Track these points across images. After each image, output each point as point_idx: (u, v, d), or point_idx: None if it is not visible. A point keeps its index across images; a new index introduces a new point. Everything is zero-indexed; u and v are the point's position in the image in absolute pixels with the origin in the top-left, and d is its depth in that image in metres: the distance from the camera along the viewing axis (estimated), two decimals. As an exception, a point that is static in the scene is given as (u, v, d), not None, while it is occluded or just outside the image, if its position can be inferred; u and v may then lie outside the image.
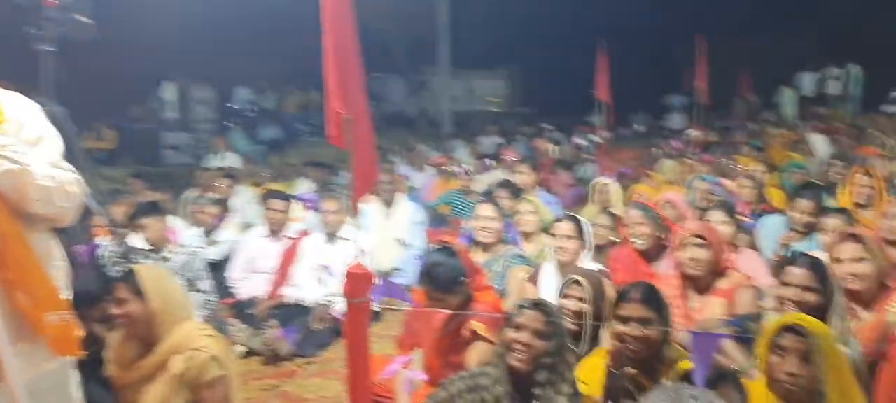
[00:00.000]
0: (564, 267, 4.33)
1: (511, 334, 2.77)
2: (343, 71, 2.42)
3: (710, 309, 3.79)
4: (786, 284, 3.19)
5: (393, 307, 5.18)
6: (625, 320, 2.93)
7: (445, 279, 3.62)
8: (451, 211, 7.87)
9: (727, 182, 6.28)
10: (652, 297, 2.94)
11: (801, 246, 4.98)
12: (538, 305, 2.81)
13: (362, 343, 2.63)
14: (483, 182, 9.14)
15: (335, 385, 4.42)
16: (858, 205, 5.43)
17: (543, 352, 2.71)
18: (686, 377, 2.80)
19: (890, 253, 4.55)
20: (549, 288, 4.34)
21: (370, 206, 6.65)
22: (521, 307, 2.82)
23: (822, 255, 4.28)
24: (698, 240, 3.83)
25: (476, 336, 3.62)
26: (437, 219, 7.46)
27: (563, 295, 3.53)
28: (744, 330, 3.28)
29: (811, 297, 3.12)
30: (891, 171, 6.84)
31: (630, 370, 2.88)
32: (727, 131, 13.19)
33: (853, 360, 2.85)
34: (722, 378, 2.62)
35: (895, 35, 15.81)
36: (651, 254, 4.66)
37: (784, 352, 2.46)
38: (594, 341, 3.40)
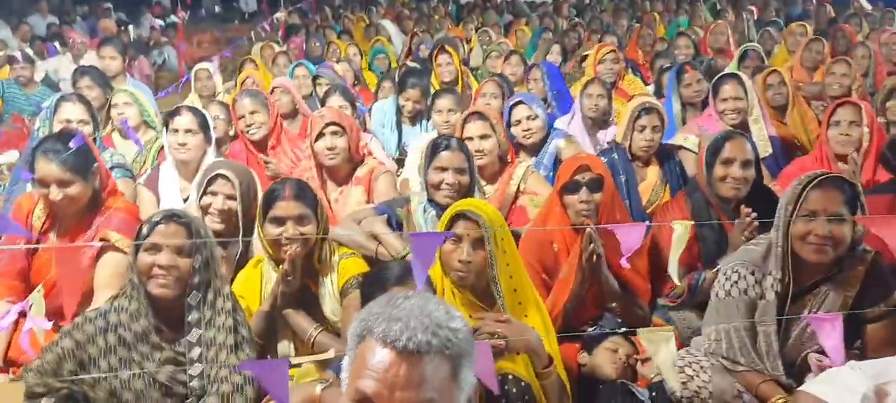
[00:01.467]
0: (186, 167, 3.82)
1: (147, 258, 2.28)
2: None
3: (351, 199, 3.69)
4: (441, 169, 3.17)
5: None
6: (279, 221, 2.64)
7: (73, 159, 2.91)
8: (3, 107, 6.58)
9: (335, 65, 6.19)
10: (305, 193, 2.69)
11: (414, 130, 5.16)
12: (174, 217, 2.34)
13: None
14: (44, 69, 7.80)
15: None
16: (444, 83, 5.78)
17: (190, 271, 2.29)
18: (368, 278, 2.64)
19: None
20: (171, 192, 3.82)
21: None
22: (155, 223, 2.32)
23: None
24: (335, 128, 3.66)
25: (108, 246, 2.99)
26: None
27: (206, 193, 3.07)
28: (393, 216, 3.23)
29: (465, 178, 3.17)
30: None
31: (289, 275, 2.61)
32: (304, 14, 13.17)
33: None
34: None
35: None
36: (265, 144, 4.38)
37: (458, 240, 2.45)
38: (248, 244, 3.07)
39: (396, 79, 5.28)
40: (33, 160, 2.98)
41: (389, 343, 1.22)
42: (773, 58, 7.17)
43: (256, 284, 2.74)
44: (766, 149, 4.22)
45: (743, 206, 2.92)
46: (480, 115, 3.77)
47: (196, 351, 2.25)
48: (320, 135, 3.66)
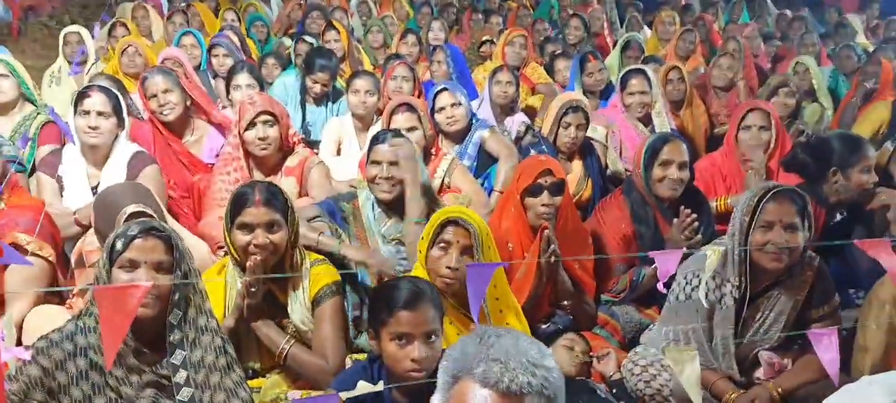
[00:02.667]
0: (95, 152, 3.50)
1: (124, 276, 2.09)
2: None
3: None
4: (375, 163, 3.12)
5: None
6: (249, 228, 2.50)
7: None
8: None
9: (232, 36, 5.82)
10: (276, 197, 2.56)
11: (319, 112, 5.02)
12: (152, 230, 2.15)
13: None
14: None
15: None
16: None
17: (169, 290, 2.14)
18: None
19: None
20: (77, 179, 3.49)
21: None
22: (131, 236, 2.12)
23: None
24: (267, 117, 3.49)
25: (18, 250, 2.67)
26: None
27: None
28: (339, 212, 3.15)
29: (397, 171, 3.14)
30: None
31: (253, 286, 2.48)
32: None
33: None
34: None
35: None
36: (176, 127, 4.10)
37: (447, 246, 2.44)
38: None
39: (304, 60, 5.07)
40: None
41: (491, 385, 1.22)
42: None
43: (220, 293, 2.58)
44: (668, 143, 4.50)
45: (682, 207, 3.11)
46: (409, 107, 3.77)
47: (182, 374, 2.10)
48: (251, 123, 3.49)
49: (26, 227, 2.78)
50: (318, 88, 4.95)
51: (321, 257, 2.75)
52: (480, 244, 2.44)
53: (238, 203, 2.52)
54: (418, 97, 5.04)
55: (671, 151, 3.24)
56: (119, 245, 2.11)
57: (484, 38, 6.49)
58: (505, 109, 4.93)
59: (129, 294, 1.68)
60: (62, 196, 3.47)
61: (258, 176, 3.59)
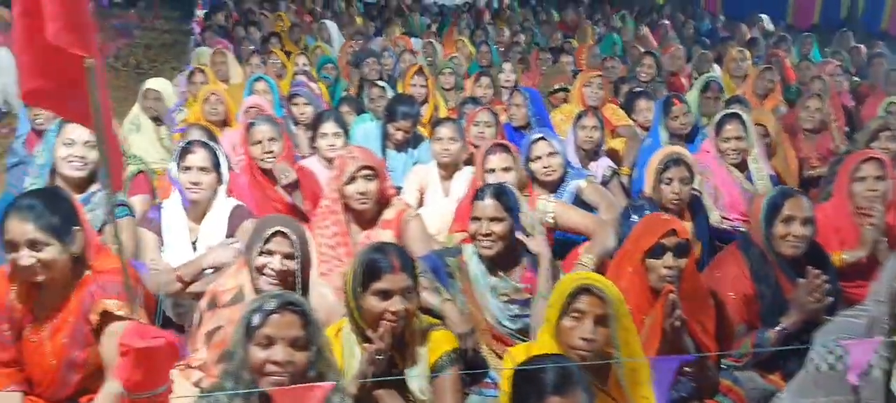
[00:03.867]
0: (195, 207, 3.48)
1: (260, 354, 2.03)
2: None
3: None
4: (476, 219, 3.04)
5: None
6: (385, 294, 2.42)
7: (50, 219, 2.47)
8: None
9: (312, 84, 5.84)
10: (409, 263, 2.49)
11: (400, 158, 4.96)
12: (288, 305, 2.09)
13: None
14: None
15: None
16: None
17: (306, 366, 2.06)
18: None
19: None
20: (178, 235, 3.47)
21: None
22: (268, 311, 2.07)
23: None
24: (367, 172, 3.44)
25: (109, 318, 2.60)
26: None
27: (263, 252, 2.76)
28: (444, 267, 3.07)
29: (498, 227, 3.05)
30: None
31: (381, 353, 2.40)
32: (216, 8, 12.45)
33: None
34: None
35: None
36: (269, 175, 4.07)
37: (581, 315, 2.33)
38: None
39: (387, 107, 5.05)
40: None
41: None
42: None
43: (337, 358, 2.50)
44: (768, 190, 4.33)
45: (809, 268, 2.95)
46: (504, 147, 3.72)
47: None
48: (352, 178, 3.43)
49: (115, 293, 2.69)
50: (399, 135, 4.90)
51: (437, 321, 2.66)
52: (616, 313, 2.32)
53: (373, 268, 2.43)
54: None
55: (794, 207, 3.08)
56: (256, 320, 2.05)
57: (556, 86, 6.37)
58: (589, 154, 4.83)
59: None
60: (162, 249, 3.46)
61: (355, 229, 3.54)
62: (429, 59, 8.07)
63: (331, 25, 9.84)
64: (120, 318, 2.59)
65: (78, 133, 3.38)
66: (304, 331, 2.07)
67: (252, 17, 10.93)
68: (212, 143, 3.52)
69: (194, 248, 3.46)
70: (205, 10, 10.74)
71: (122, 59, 11.36)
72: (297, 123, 5.41)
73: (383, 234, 3.50)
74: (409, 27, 11.75)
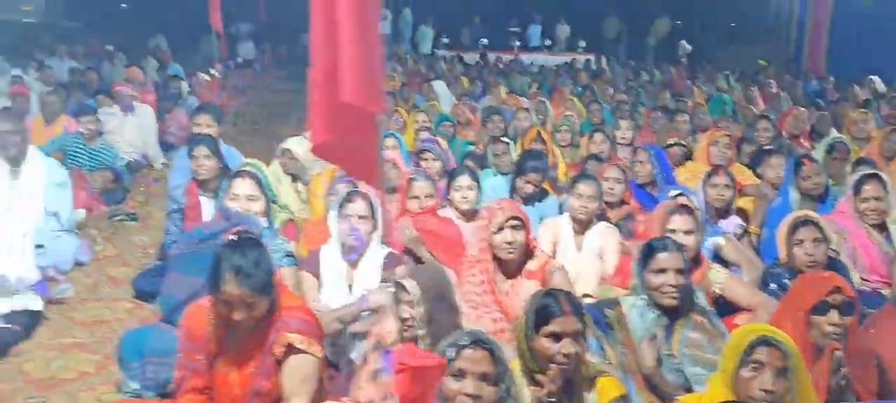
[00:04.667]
0: (351, 252, 3.69)
1: (454, 385, 2.17)
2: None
3: (523, 293, 3.59)
4: (661, 271, 3.11)
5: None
6: (557, 337, 2.53)
7: (261, 278, 2.72)
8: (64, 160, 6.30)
9: (441, 140, 6.09)
10: (579, 307, 2.60)
11: (529, 211, 5.08)
12: (479, 341, 2.24)
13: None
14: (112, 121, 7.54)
15: None
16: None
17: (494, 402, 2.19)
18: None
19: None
20: (334, 278, 3.68)
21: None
22: (461, 346, 2.22)
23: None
24: (515, 222, 3.58)
25: (292, 350, 2.83)
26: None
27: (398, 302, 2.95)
28: (603, 318, 3.14)
29: (682, 279, 3.11)
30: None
31: (552, 396, 2.49)
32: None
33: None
34: None
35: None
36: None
37: (760, 367, 2.37)
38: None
39: (517, 162, 5.22)
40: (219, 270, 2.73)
41: None
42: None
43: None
44: (908, 251, 4.25)
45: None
46: (688, 210, 3.76)
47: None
48: (500, 228, 3.58)
49: (298, 328, 2.89)
50: (529, 188, 5.04)
51: (602, 368, 2.74)
52: (794, 366, 2.35)
53: (545, 312, 2.55)
54: (630, 198, 5.05)
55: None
56: (450, 353, 2.19)
57: (671, 141, 6.42)
58: (720, 212, 4.83)
59: None
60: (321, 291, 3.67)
61: (500, 278, 3.67)
62: (540, 117, 8.24)
63: (439, 85, 10.19)
64: (301, 352, 2.81)
65: (242, 188, 3.71)
66: (493, 368, 2.20)
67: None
68: (370, 194, 3.74)
69: (350, 291, 3.65)
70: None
71: (241, 116, 12.01)
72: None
73: (528, 284, 3.62)
74: (511, 87, 12.01)
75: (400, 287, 2.97)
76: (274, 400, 2.87)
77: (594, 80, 13.48)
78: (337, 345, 3.55)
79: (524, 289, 3.63)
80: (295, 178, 5.76)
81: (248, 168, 4.26)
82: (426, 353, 2.16)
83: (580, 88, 11.00)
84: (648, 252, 3.14)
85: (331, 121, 2.19)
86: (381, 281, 3.63)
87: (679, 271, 3.04)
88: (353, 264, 3.69)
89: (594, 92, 10.56)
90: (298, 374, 2.85)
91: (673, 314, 3.06)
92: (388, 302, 3.38)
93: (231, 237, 2.82)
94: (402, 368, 1.79)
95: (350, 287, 3.67)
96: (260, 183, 3.99)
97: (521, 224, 3.60)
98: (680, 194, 4.09)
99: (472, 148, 6.76)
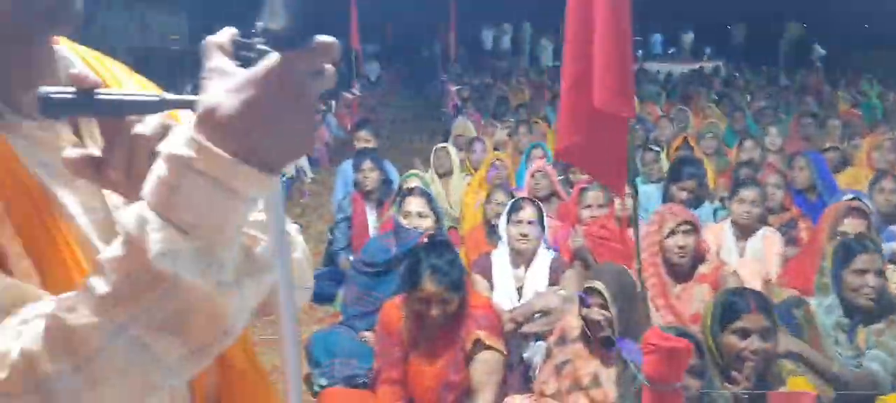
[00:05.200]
0: (520, 256, 3.83)
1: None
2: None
3: (696, 297, 3.61)
4: (863, 271, 3.06)
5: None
6: (744, 333, 2.56)
7: (456, 276, 2.97)
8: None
9: None
10: (767, 305, 2.63)
11: (703, 212, 5.06)
12: (684, 335, 2.31)
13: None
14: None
15: None
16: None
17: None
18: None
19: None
20: (505, 281, 3.83)
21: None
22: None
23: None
24: (687, 226, 3.61)
25: (480, 345, 3.05)
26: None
27: (585, 305, 3.03)
28: (791, 319, 3.13)
29: (880, 280, 3.06)
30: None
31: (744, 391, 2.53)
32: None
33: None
34: None
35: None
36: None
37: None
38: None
39: (671, 168, 5.22)
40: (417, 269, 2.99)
41: None
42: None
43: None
44: None
45: None
46: (861, 212, 3.72)
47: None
48: (672, 232, 3.62)
49: (485, 325, 3.09)
50: (684, 195, 5.01)
51: (793, 367, 2.74)
52: None
53: (733, 310, 2.60)
54: (791, 203, 4.96)
55: None
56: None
57: (827, 146, 6.22)
58: (887, 218, 4.66)
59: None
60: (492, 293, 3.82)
61: (669, 282, 3.69)
62: (680, 125, 8.14)
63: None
64: (488, 348, 2.99)
65: (414, 205, 3.99)
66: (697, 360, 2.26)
67: (499, 91, 11.62)
68: (537, 201, 3.87)
69: (518, 294, 3.79)
70: (457, 87, 11.59)
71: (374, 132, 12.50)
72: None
73: (700, 288, 3.63)
74: (640, 96, 11.88)
75: (591, 290, 3.05)
76: (461, 393, 3.05)
77: (726, 87, 13.15)
78: (509, 345, 3.69)
79: (696, 294, 3.65)
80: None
81: (417, 185, 4.49)
82: (671, 336, 2.25)
83: (715, 96, 10.75)
84: (847, 252, 3.10)
85: (581, 126, 2.33)
86: (549, 284, 3.75)
87: (878, 272, 3.00)
88: (523, 267, 3.82)
89: (733, 99, 10.31)
90: (486, 368, 3.04)
91: (866, 314, 3.01)
92: (558, 303, 3.52)
93: (425, 240, 3.04)
94: (653, 348, 1.89)
95: (519, 289, 3.80)
96: (430, 199, 4.20)
97: (693, 228, 3.62)
98: (854, 198, 3.99)
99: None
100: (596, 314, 3.00)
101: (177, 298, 0.67)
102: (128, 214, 0.68)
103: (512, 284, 3.82)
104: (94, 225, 0.87)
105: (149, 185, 0.68)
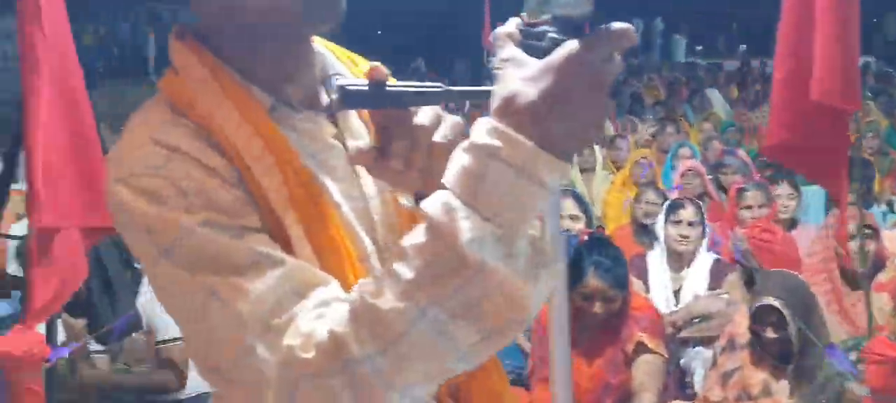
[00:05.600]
0: (679, 259, 3.67)
1: None
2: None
3: (873, 305, 3.33)
4: None
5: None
6: None
7: (620, 273, 2.91)
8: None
9: (740, 152, 5.92)
10: None
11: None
12: None
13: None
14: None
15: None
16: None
17: None
18: None
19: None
20: (661, 283, 3.69)
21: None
22: None
23: None
24: (868, 230, 3.35)
25: (642, 348, 2.94)
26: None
27: (759, 322, 2.86)
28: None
29: None
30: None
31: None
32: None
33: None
34: None
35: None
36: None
37: None
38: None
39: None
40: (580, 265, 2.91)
41: None
42: None
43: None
44: None
45: None
46: None
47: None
48: (852, 236, 3.37)
49: (647, 328, 2.98)
50: (851, 197, 4.68)
51: None
52: None
53: None
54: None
55: None
56: None
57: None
58: None
59: None
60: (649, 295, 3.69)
61: (846, 290, 3.45)
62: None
63: (713, 94, 9.81)
64: (650, 351, 2.89)
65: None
66: None
67: (631, 88, 11.33)
68: (698, 201, 3.71)
69: (675, 297, 3.64)
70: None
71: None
72: (722, 189, 5.44)
73: (878, 297, 3.36)
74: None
75: (767, 309, 2.85)
76: (621, 396, 2.95)
77: (878, 83, 12.23)
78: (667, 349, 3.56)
79: (874, 302, 3.38)
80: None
81: (567, 185, 4.41)
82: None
83: (870, 92, 9.98)
84: None
85: (797, 122, 2.18)
86: (709, 288, 3.59)
87: None
88: (679, 269, 3.67)
89: (891, 96, 9.57)
90: (648, 371, 2.93)
91: None
92: (719, 308, 3.36)
93: (585, 238, 2.96)
94: (880, 358, 1.74)
95: (675, 292, 3.66)
96: (580, 201, 4.11)
97: (874, 233, 3.37)
98: None
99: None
100: (771, 333, 2.82)
101: (480, 285, 0.68)
102: (432, 202, 0.69)
103: (669, 287, 3.68)
104: (354, 213, 0.91)
105: (452, 175, 0.70)
